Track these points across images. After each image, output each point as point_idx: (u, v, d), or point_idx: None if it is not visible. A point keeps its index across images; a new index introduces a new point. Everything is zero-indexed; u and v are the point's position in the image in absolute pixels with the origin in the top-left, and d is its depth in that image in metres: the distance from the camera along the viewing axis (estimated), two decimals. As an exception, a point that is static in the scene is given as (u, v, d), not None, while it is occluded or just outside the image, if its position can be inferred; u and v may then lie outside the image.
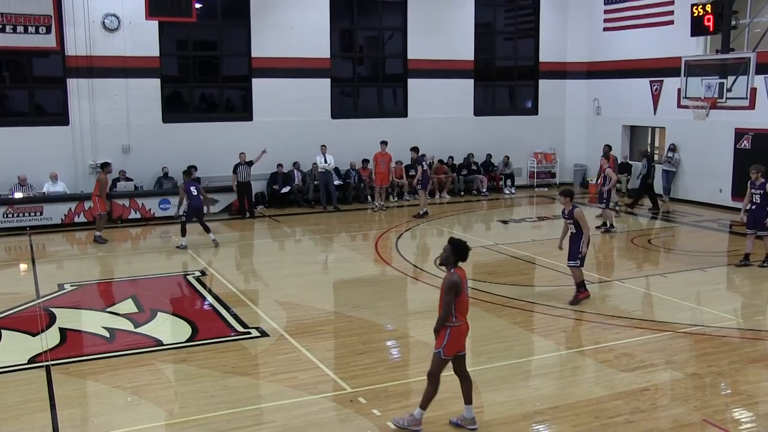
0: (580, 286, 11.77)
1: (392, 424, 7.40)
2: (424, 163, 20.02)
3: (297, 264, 15.22)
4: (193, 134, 20.55)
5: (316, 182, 21.31)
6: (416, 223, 18.96)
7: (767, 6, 18.44)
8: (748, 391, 8.59)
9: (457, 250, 7.33)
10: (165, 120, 20.47)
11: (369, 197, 21.98)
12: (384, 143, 20.95)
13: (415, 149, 20.19)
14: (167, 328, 10.86)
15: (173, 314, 11.50)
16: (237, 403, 8.03)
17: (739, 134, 20.23)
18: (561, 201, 12.07)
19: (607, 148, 21.52)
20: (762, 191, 13.70)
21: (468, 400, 7.44)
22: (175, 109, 21.12)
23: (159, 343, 10.11)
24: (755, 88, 17.29)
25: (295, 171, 21.48)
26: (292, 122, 21.53)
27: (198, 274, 13.86)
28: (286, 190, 21.22)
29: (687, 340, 10.22)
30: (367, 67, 24.62)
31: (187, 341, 10.22)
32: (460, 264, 7.37)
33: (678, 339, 10.25)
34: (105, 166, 17.02)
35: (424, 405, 7.29)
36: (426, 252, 16.24)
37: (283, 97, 21.40)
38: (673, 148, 21.70)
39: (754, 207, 13.94)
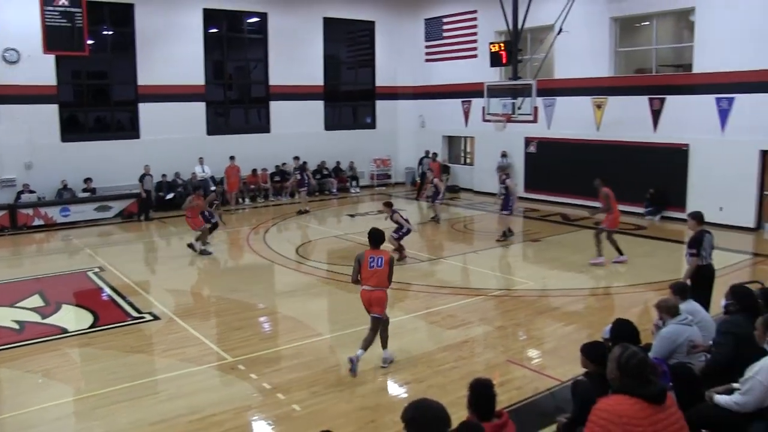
0: (402, 249, 13.28)
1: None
2: (304, 170, 20.24)
3: (182, 257, 14.75)
4: (88, 152, 19.49)
5: (196, 188, 20.76)
6: (282, 218, 18.92)
7: (542, 46, 19.68)
8: (538, 335, 9.23)
9: (369, 237, 8.08)
10: (63, 139, 19.28)
11: (238, 200, 21.70)
12: (232, 158, 20.72)
13: (296, 158, 20.27)
14: (71, 317, 10.28)
15: (77, 305, 10.92)
16: (136, 377, 7.78)
17: (528, 141, 21.53)
18: (384, 210, 13.66)
19: (435, 154, 22.36)
20: (505, 186, 15.16)
21: (383, 344, 7.99)
22: (72, 129, 19.87)
23: (65, 330, 9.56)
24: (537, 107, 18.38)
25: (178, 180, 20.85)
26: (173, 139, 20.83)
27: (97, 269, 13.18)
28: (170, 196, 20.52)
29: (495, 301, 10.75)
30: (236, 91, 24.13)
31: (89, 328, 9.74)
32: (382, 247, 8.06)
33: (488, 301, 10.74)
34: (197, 190, 15.59)
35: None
36: (288, 242, 16.12)
37: (165, 118, 20.64)
38: (504, 154, 22.00)
39: (502, 197, 15.42)
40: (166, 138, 20.75)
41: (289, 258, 14.16)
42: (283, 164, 22.85)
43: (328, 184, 24.08)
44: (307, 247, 15.31)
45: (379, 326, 7.88)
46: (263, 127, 23.42)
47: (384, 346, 8.00)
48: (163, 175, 20.43)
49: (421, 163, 24.07)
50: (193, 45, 21.30)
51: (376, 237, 8.02)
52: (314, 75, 24.03)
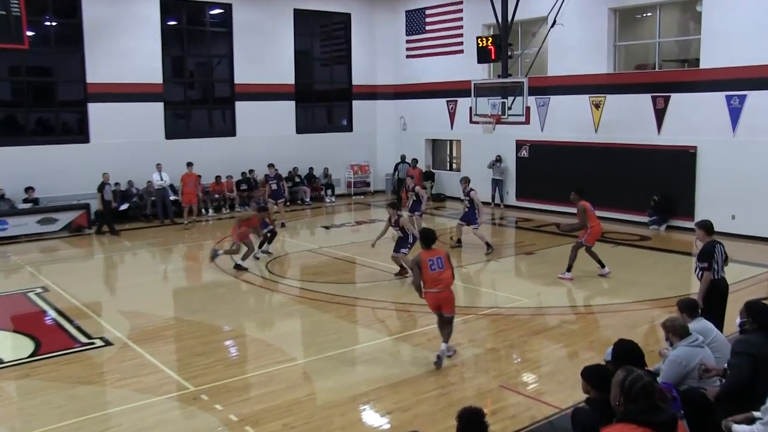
0: (402, 267, 12.93)
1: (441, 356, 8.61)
2: (281, 180, 20.16)
3: (137, 275, 14.60)
4: (29, 157, 19.15)
5: (153, 198, 20.58)
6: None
7: (534, 40, 19.79)
8: (533, 358, 9.17)
9: (422, 237, 8.87)
10: None
11: (201, 211, 21.44)
12: (190, 164, 20.34)
13: (271, 166, 20.00)
14: (8, 345, 10.00)
15: (14, 331, 10.65)
16: (85, 411, 7.56)
17: (519, 145, 21.61)
18: (388, 212, 13.25)
19: (414, 160, 22.47)
20: (469, 198, 15.35)
21: (444, 339, 8.77)
22: (10, 132, 19.64)
23: None
24: (529, 107, 18.43)
25: (132, 189, 20.64)
26: (128, 143, 20.61)
27: (40, 290, 12.90)
28: (124, 207, 20.28)
29: (486, 320, 10.71)
30: (198, 90, 24.05)
31: (29, 356, 9.46)
32: (434, 247, 8.71)
33: (479, 320, 10.71)
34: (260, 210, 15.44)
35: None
36: (257, 257, 15.96)
37: (118, 120, 20.41)
38: (499, 159, 21.92)
39: (467, 209, 15.58)
40: (120, 142, 20.53)
41: (258, 275, 14.02)
42: (251, 171, 22.70)
43: (300, 192, 23.97)
44: (278, 263, 15.17)
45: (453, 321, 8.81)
46: (228, 130, 23.30)
47: (446, 340, 8.77)
48: (116, 184, 20.15)
49: (396, 169, 24.08)
50: (149, 39, 21.13)
51: (428, 237, 8.75)
52: (284, 73, 23.97)
